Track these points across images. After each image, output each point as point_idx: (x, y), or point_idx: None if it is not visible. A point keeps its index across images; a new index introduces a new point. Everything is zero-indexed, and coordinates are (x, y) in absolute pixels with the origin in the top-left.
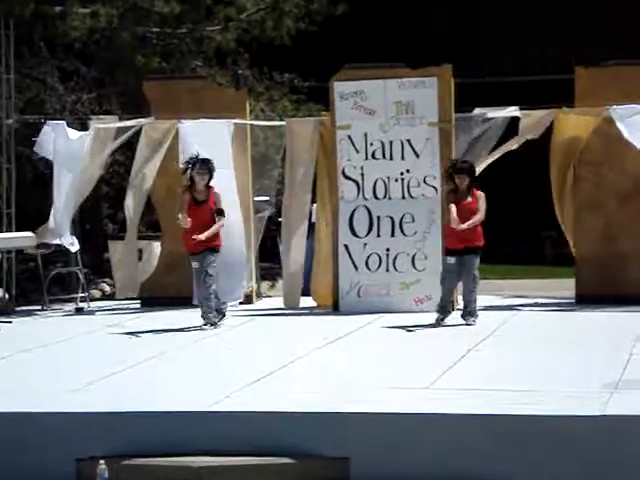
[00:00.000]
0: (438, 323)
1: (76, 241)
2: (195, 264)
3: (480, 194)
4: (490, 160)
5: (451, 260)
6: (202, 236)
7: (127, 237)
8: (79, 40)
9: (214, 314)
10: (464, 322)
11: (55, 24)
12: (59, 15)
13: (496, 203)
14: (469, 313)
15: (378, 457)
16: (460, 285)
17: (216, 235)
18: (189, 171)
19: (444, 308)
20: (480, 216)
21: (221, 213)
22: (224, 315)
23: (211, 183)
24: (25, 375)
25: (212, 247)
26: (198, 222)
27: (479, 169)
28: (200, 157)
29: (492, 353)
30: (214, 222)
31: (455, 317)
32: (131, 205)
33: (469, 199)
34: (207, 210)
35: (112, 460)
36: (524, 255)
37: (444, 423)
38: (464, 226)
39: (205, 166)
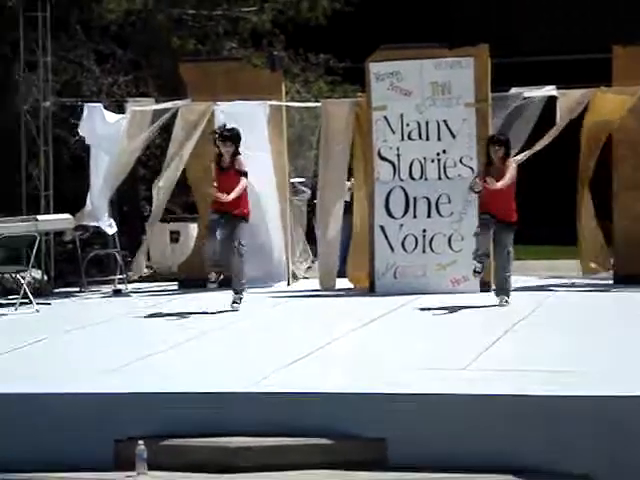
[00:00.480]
0: (476, 273)
1: (114, 223)
2: (214, 216)
3: (510, 162)
4: (538, 147)
5: (486, 215)
6: (229, 197)
7: (152, 218)
8: (115, 23)
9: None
10: (497, 302)
11: (91, 7)
12: None
13: (535, 183)
14: (502, 291)
15: (414, 438)
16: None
17: (243, 202)
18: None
19: (484, 255)
20: (504, 181)
21: (244, 174)
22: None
23: (248, 166)
24: (64, 356)
25: (240, 215)
26: (224, 188)
27: (526, 155)
28: (225, 127)
29: (529, 334)
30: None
31: (491, 298)
32: (162, 187)
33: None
34: (232, 176)
35: (150, 441)
36: (561, 235)
37: (480, 404)
38: (499, 185)
39: (227, 136)
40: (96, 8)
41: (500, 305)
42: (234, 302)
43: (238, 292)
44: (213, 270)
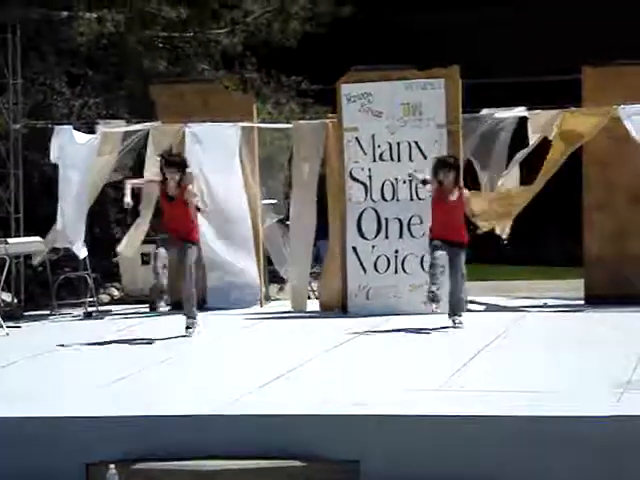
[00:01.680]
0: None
1: (84, 247)
2: (163, 236)
3: (466, 193)
4: (514, 168)
5: (438, 242)
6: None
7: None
8: (86, 45)
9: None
10: (451, 324)
11: (61, 29)
12: (66, 20)
13: None
14: (457, 314)
15: (388, 460)
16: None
17: (195, 228)
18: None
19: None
20: (466, 193)
21: (192, 207)
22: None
23: (220, 189)
24: (34, 380)
25: (191, 240)
26: (171, 218)
27: (511, 178)
28: (171, 151)
29: (502, 354)
30: (188, 218)
31: (470, 318)
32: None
33: (455, 196)
34: (180, 206)
35: (122, 464)
36: (533, 256)
37: (455, 424)
38: (466, 193)
39: (173, 162)
40: (67, 30)
41: (454, 327)
42: (188, 327)
43: (190, 317)
44: (157, 295)
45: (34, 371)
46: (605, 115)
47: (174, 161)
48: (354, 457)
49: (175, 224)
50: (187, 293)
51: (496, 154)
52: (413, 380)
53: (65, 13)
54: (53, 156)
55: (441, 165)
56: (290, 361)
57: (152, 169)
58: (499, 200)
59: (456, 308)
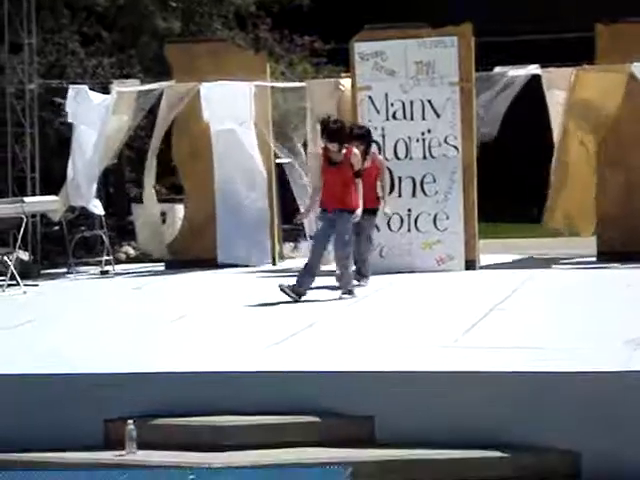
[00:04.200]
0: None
1: (100, 204)
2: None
3: (381, 160)
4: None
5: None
6: None
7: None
8: (102, 5)
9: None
10: (357, 283)
11: None
12: None
13: (512, 165)
14: (364, 275)
15: (403, 415)
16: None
17: (352, 196)
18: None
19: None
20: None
21: (358, 175)
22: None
23: (234, 147)
24: (52, 337)
25: (347, 210)
26: (334, 185)
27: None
28: (329, 123)
29: (515, 311)
30: (348, 186)
31: (483, 276)
32: (151, 167)
33: (368, 164)
34: (344, 172)
35: (140, 420)
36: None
37: (468, 381)
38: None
39: (329, 134)
40: None
41: (359, 286)
42: (344, 293)
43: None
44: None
45: (52, 329)
46: (623, 72)
47: (331, 130)
48: (369, 413)
49: (336, 191)
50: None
51: (494, 110)
52: (427, 337)
53: None
54: (70, 115)
55: (353, 137)
56: (305, 319)
57: (163, 129)
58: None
59: (362, 270)
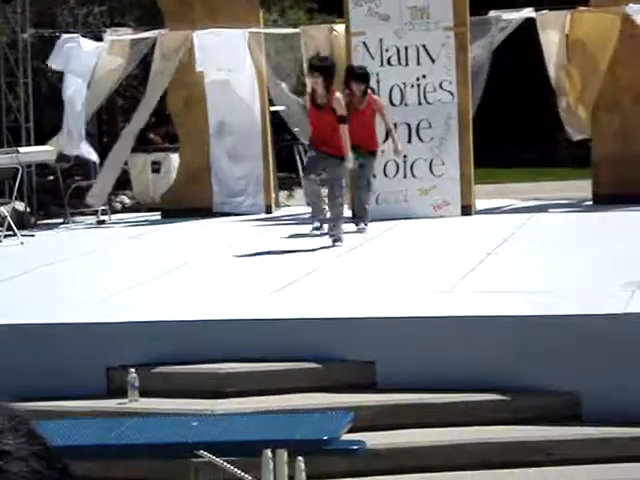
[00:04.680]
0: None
1: (93, 151)
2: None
3: (377, 100)
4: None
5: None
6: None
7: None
8: None
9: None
10: (355, 229)
11: None
12: None
13: (511, 107)
14: (361, 219)
15: (403, 360)
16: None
17: (339, 142)
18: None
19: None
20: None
21: (342, 120)
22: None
23: (230, 94)
24: (52, 287)
25: (336, 155)
26: (321, 128)
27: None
28: (317, 58)
29: (511, 256)
30: (334, 126)
31: (479, 221)
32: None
33: (363, 106)
34: (328, 116)
35: (142, 368)
36: (540, 158)
37: (467, 325)
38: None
39: (315, 68)
40: None
41: (359, 231)
42: (334, 240)
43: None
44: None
45: (51, 279)
46: (617, 14)
47: (316, 65)
48: (370, 358)
49: (324, 136)
50: (337, 210)
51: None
52: (424, 283)
53: None
54: (54, 63)
55: (354, 78)
56: (303, 267)
57: (157, 78)
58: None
59: (360, 214)
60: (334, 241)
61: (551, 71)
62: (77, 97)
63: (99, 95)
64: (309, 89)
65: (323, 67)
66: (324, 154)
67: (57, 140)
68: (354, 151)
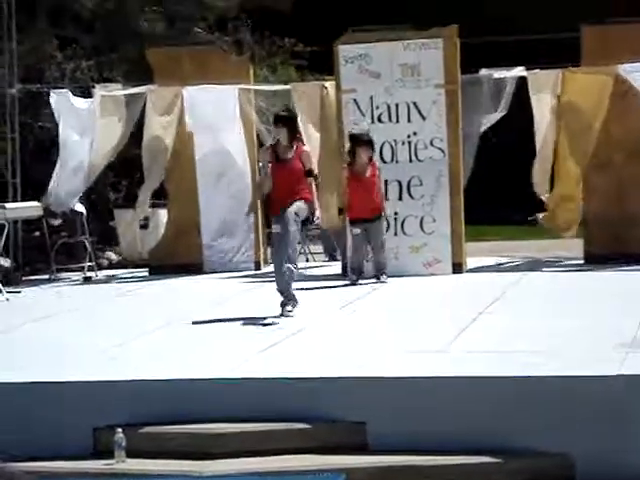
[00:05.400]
0: (354, 284)
1: (80, 204)
2: (275, 227)
3: (379, 167)
4: (498, 116)
5: (356, 231)
6: None
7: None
8: (90, 10)
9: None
10: (377, 280)
11: None
12: None
13: (499, 168)
14: (383, 272)
15: (394, 421)
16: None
17: (305, 192)
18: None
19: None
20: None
21: (310, 174)
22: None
23: (220, 150)
24: (37, 345)
25: (299, 199)
26: (281, 182)
27: (485, 126)
28: (282, 110)
29: (504, 315)
30: (300, 183)
31: (470, 279)
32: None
33: (368, 173)
34: (292, 169)
35: (129, 428)
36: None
37: (459, 386)
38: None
39: (279, 118)
40: None
41: (382, 282)
42: (284, 305)
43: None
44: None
45: (37, 336)
46: (610, 75)
47: (281, 116)
48: (360, 419)
49: (285, 190)
50: (281, 267)
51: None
52: (416, 342)
53: None
54: (57, 118)
55: (358, 143)
56: (293, 324)
57: (150, 132)
58: (562, 204)
59: (380, 268)
60: (291, 306)
61: (538, 135)
62: (70, 152)
63: (102, 155)
64: (271, 142)
65: (288, 118)
66: (284, 208)
67: (47, 197)
68: (360, 222)
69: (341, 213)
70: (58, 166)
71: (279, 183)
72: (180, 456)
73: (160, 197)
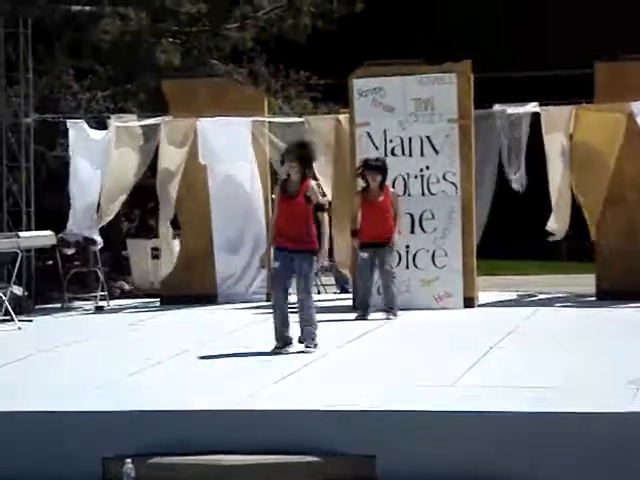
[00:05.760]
0: (363, 318)
1: (99, 237)
2: (275, 264)
3: (394, 192)
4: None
5: (364, 255)
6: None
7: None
8: (108, 42)
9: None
10: (385, 316)
11: (88, 27)
12: (89, 17)
13: (513, 203)
14: (393, 308)
15: (404, 455)
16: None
17: (311, 236)
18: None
19: (365, 303)
20: (401, 218)
21: (320, 208)
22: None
23: (233, 183)
24: (48, 374)
25: (308, 249)
26: (291, 219)
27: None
28: (295, 144)
29: (515, 350)
30: (308, 217)
31: (481, 313)
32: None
33: (381, 198)
34: (298, 205)
35: (138, 459)
36: (538, 251)
37: (470, 421)
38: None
39: (293, 155)
40: (90, 28)
41: (388, 319)
42: (307, 345)
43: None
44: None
45: (49, 365)
46: (623, 112)
47: (293, 150)
48: (370, 452)
49: (292, 225)
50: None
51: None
52: (427, 376)
53: (87, 8)
54: (72, 150)
55: (368, 168)
56: (304, 357)
57: (164, 163)
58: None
59: (390, 303)
60: (313, 346)
61: (550, 172)
62: (84, 184)
63: (120, 184)
64: (283, 176)
65: (300, 152)
66: (293, 252)
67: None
68: (370, 247)
69: (354, 235)
70: (72, 202)
71: (283, 216)
72: None
73: (173, 227)
